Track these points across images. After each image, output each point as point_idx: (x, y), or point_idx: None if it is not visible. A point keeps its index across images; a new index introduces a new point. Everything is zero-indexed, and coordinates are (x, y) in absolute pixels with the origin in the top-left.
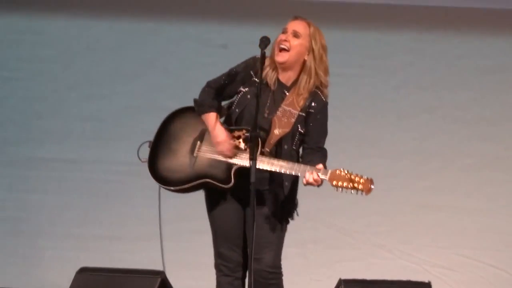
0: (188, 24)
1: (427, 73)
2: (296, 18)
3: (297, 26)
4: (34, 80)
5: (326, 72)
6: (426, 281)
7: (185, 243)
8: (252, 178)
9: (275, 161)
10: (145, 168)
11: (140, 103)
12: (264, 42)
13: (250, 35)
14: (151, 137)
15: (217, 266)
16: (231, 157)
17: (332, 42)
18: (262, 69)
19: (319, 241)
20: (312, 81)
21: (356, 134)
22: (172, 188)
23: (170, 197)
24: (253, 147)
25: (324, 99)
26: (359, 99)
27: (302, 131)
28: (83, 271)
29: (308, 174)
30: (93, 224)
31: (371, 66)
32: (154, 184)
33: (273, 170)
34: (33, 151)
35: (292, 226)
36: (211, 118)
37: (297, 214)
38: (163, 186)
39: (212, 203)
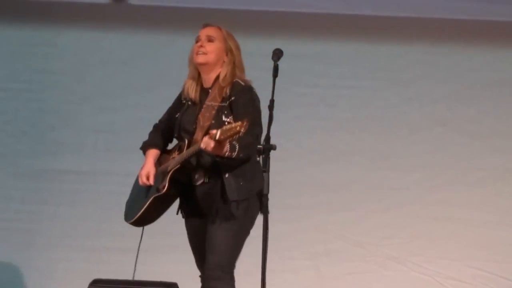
0: (193, 33)
1: (439, 86)
2: (205, 25)
3: (209, 31)
4: (47, 92)
5: (242, 70)
6: None
7: None
8: (265, 190)
9: (188, 151)
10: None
11: (153, 116)
12: (277, 54)
13: (262, 47)
14: None
15: None
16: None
17: (344, 55)
18: (274, 82)
19: (331, 254)
20: (229, 72)
21: (368, 146)
22: (132, 220)
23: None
24: (266, 159)
25: (243, 84)
26: (371, 112)
27: (228, 121)
28: (96, 283)
29: (202, 143)
30: (106, 236)
31: (383, 79)
32: None
33: (185, 158)
34: (46, 163)
35: (304, 239)
36: (147, 154)
37: (266, 212)
38: (128, 221)
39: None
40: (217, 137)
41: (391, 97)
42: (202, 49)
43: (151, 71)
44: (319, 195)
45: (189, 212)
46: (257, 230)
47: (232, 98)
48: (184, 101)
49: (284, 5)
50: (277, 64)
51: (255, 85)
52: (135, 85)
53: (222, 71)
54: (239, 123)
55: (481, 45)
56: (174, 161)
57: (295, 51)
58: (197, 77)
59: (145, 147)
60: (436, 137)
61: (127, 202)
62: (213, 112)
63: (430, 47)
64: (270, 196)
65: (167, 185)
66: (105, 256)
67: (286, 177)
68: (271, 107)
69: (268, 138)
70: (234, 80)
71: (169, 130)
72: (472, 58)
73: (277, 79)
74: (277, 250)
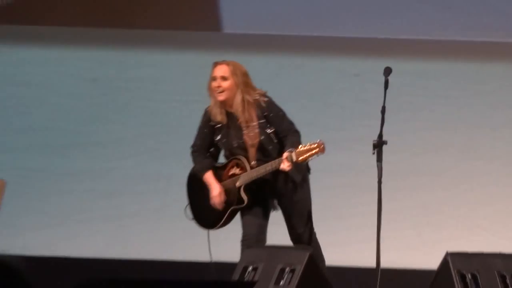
0: (327, 57)
1: None
2: (216, 64)
3: (221, 71)
4: None
5: (253, 90)
6: None
7: None
8: (379, 176)
9: (261, 169)
10: None
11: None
12: (387, 71)
13: (378, 65)
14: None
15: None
16: (219, 206)
17: (439, 72)
18: (385, 93)
19: (433, 223)
20: (246, 103)
21: (457, 140)
22: (215, 228)
23: None
24: (380, 152)
25: (265, 100)
26: (462, 114)
27: (272, 130)
28: (248, 247)
29: (282, 165)
30: None
31: (471, 90)
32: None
33: (261, 174)
34: None
35: (410, 214)
36: (206, 178)
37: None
38: (210, 229)
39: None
40: (294, 159)
41: (475, 103)
42: (220, 89)
43: (288, 87)
44: (421, 179)
45: (250, 204)
46: (372, 207)
47: (265, 113)
48: (217, 125)
49: (396, 32)
50: (388, 79)
51: (372, 97)
52: (276, 99)
53: (239, 100)
54: (315, 145)
55: None
56: (244, 178)
57: (402, 69)
58: (219, 103)
59: (203, 172)
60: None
61: (194, 211)
62: (257, 130)
63: None
64: (383, 179)
65: (246, 198)
66: None
67: (395, 166)
68: (383, 112)
69: (381, 135)
70: (256, 101)
71: (208, 151)
72: None
73: (387, 90)
74: (388, 222)
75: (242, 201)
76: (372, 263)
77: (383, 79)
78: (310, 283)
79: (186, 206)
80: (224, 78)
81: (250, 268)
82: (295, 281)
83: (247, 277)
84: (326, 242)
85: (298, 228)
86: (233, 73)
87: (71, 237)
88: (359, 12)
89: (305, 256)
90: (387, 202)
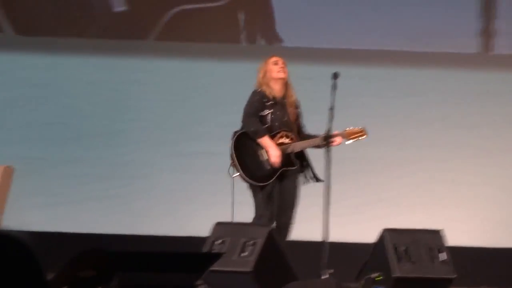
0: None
1: None
2: (274, 55)
3: (282, 59)
4: None
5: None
6: None
7: None
8: (327, 163)
9: (314, 141)
10: None
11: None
12: (336, 76)
13: (328, 71)
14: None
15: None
16: (278, 165)
17: (379, 77)
18: (334, 94)
19: (373, 203)
20: (294, 91)
21: (396, 131)
22: (265, 182)
23: None
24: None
25: (298, 100)
26: (392, 108)
27: (303, 123)
28: (219, 224)
29: (334, 142)
30: None
31: (396, 92)
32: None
33: (311, 146)
34: None
35: (350, 196)
36: (265, 140)
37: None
38: (257, 183)
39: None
40: (345, 137)
41: (406, 102)
42: (283, 69)
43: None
44: (362, 165)
45: (279, 177)
46: (321, 189)
47: (297, 109)
48: (269, 102)
49: (343, 43)
50: (336, 82)
51: (323, 97)
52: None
53: (291, 90)
54: (360, 130)
55: None
56: (296, 146)
57: (348, 74)
58: (276, 83)
59: (261, 134)
60: None
61: (246, 167)
62: (295, 116)
63: None
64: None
65: (298, 162)
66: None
67: (341, 154)
68: (331, 109)
69: (330, 129)
70: (294, 97)
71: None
72: None
73: (336, 91)
74: (334, 202)
75: (292, 164)
76: (320, 237)
77: (331, 82)
78: (269, 254)
79: (231, 165)
80: (285, 64)
81: (218, 242)
82: (257, 252)
83: (215, 249)
84: None
85: (287, 215)
86: (286, 66)
87: (70, 215)
88: (313, 26)
89: (265, 231)
90: (333, 184)
